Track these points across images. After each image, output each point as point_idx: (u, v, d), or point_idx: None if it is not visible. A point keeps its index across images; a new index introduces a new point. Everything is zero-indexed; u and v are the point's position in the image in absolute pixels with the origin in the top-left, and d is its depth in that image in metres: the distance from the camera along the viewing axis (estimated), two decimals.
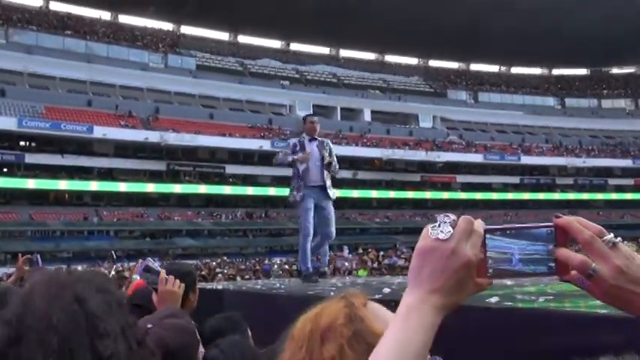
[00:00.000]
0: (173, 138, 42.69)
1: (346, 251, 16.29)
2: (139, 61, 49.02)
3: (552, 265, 0.65)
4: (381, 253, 15.07)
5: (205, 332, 2.15)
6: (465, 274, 0.66)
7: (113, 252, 15.04)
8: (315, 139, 5.66)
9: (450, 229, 0.67)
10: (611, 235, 0.64)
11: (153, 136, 42.45)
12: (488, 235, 0.69)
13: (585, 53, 62.42)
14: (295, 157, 5.47)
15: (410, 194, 50.78)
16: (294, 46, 64.03)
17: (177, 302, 2.08)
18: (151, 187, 43.25)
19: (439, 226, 0.68)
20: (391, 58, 66.95)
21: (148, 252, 36.97)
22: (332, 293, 3.25)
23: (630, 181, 55.88)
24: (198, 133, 43.87)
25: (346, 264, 12.33)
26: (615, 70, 71.17)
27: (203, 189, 45.02)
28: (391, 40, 58.64)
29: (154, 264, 2.55)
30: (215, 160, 46.67)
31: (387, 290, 3.56)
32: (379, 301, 0.83)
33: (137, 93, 47.35)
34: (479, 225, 0.70)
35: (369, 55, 66.32)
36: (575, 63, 67.97)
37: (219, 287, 5.01)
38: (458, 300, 0.66)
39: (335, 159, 5.68)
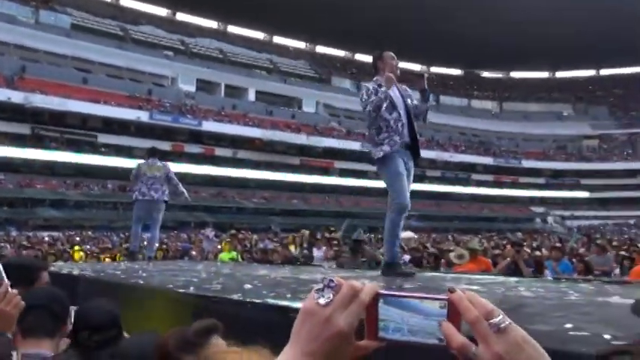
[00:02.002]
0: (40, 100, 39.66)
1: (209, 231, 14.99)
2: (6, 13, 44.74)
3: (442, 337, 0.63)
4: (255, 237, 15.02)
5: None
6: (339, 342, 0.65)
7: None
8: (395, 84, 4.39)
9: (331, 295, 0.65)
10: (501, 317, 0.61)
11: (17, 97, 39.20)
12: (382, 300, 0.67)
13: (461, 55, 66.37)
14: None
15: (289, 177, 51.20)
16: (181, 17, 61.75)
17: (10, 327, 1.63)
18: (11, 152, 39.84)
19: (323, 289, 0.66)
20: (279, 40, 66.78)
21: (5, 221, 34.22)
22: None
23: (490, 177, 60.54)
24: (69, 97, 41.09)
25: (212, 246, 11.91)
26: (486, 74, 76.46)
27: (71, 157, 42.22)
28: (280, 21, 58.47)
29: None
30: (86, 127, 43.97)
31: (248, 286, 3.57)
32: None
33: (2, 48, 43.28)
34: (367, 292, 0.67)
35: (258, 34, 65.66)
36: (452, 63, 72.08)
37: (75, 272, 4.67)
38: None
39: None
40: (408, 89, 4.60)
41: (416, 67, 73.16)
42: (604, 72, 74.20)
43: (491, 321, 0.61)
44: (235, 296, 2.83)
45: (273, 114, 53.50)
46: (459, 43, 62.10)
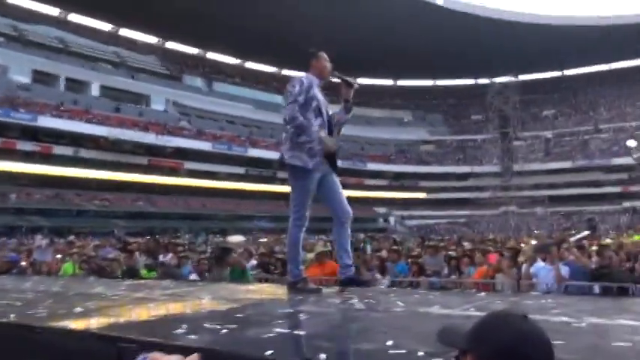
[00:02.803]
0: None
1: (40, 239, 13.37)
2: None
3: None
4: (94, 242, 14.03)
5: None
6: None
7: None
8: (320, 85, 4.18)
9: None
10: None
11: None
12: None
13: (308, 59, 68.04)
14: (322, 134, 3.93)
15: (136, 177, 48.88)
16: (14, 0, 56.20)
17: None
18: None
19: None
20: (127, 33, 63.57)
21: None
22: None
23: (340, 179, 62.82)
24: None
25: (45, 256, 10.51)
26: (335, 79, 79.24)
27: None
28: (129, 13, 55.68)
29: None
30: None
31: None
32: None
33: None
34: None
35: (104, 26, 61.90)
36: (303, 67, 73.25)
37: None
38: None
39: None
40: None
41: (269, 69, 74.01)
42: (440, 82, 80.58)
43: None
44: (62, 324, 2.65)
45: (119, 111, 50.77)
46: (311, 47, 63.62)
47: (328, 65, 4.28)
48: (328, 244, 16.02)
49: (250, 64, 72.77)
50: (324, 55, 4.30)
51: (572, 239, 14.41)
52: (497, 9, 64.94)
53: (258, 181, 57.29)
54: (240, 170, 56.52)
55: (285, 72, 75.48)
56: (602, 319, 2.48)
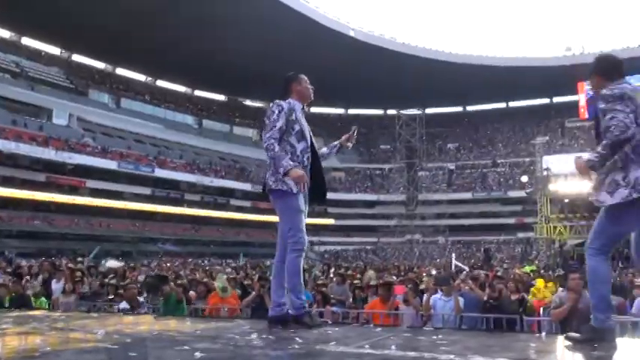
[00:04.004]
0: None
1: None
2: None
3: None
4: None
5: None
6: None
7: None
8: (303, 108, 4.09)
9: None
10: None
11: None
12: None
13: (226, 81, 67.79)
14: (296, 170, 3.69)
15: (32, 195, 45.94)
16: None
17: None
18: None
19: None
20: (30, 42, 60.37)
21: None
22: None
23: (248, 203, 62.44)
24: None
25: None
26: (248, 102, 79.26)
27: None
28: (32, 21, 52.94)
29: None
30: None
31: None
32: None
33: None
34: None
35: (4, 33, 58.43)
36: (216, 88, 73.21)
37: None
38: None
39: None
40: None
41: (181, 88, 72.78)
42: (351, 111, 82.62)
43: None
44: None
45: (16, 124, 47.77)
46: (225, 69, 63.42)
47: (310, 88, 4.16)
48: (234, 270, 15.84)
49: (162, 83, 71.25)
50: (305, 78, 4.15)
51: (453, 269, 15.09)
52: (407, 44, 67.84)
53: (165, 203, 55.73)
54: (147, 191, 54.74)
55: (198, 92, 74.63)
56: (485, 357, 2.60)
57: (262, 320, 4.09)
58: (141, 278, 11.71)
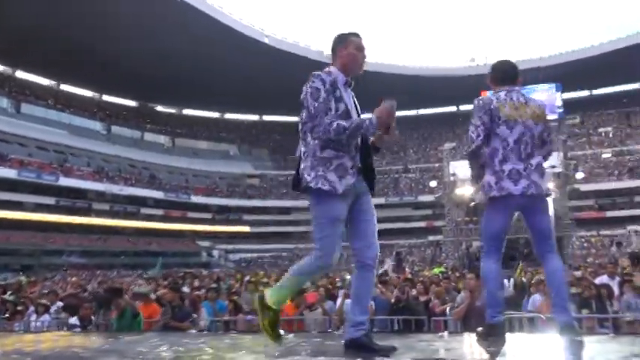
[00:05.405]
0: None
1: None
2: None
3: None
4: None
5: None
6: None
7: None
8: (350, 82, 3.14)
9: None
10: None
11: None
12: None
13: (136, 86, 65.76)
14: (378, 109, 2.92)
15: None
16: None
17: None
18: None
19: None
20: None
21: None
22: None
23: (160, 212, 60.77)
24: None
25: None
26: (160, 108, 77.24)
27: None
28: None
29: None
30: None
31: None
32: None
33: None
34: None
35: None
36: (126, 93, 70.80)
37: None
38: None
39: None
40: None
41: (86, 93, 69.76)
42: (266, 118, 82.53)
43: None
44: None
45: None
46: (135, 74, 61.51)
47: (360, 54, 3.14)
48: (151, 282, 15.33)
49: (67, 87, 67.93)
50: (356, 40, 3.14)
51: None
52: (320, 51, 68.54)
53: (71, 213, 53.10)
54: (51, 200, 51.92)
55: (107, 97, 71.83)
56: (390, 359, 2.71)
57: (172, 332, 4.02)
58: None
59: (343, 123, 2.87)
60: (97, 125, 65.92)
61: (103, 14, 51.61)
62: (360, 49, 3.11)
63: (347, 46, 3.11)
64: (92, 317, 7.22)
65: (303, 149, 3.05)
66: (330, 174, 2.91)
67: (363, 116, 2.99)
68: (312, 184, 2.91)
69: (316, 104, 2.92)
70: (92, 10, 50.90)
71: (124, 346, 3.60)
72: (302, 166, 3.01)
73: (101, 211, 56.15)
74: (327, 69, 3.07)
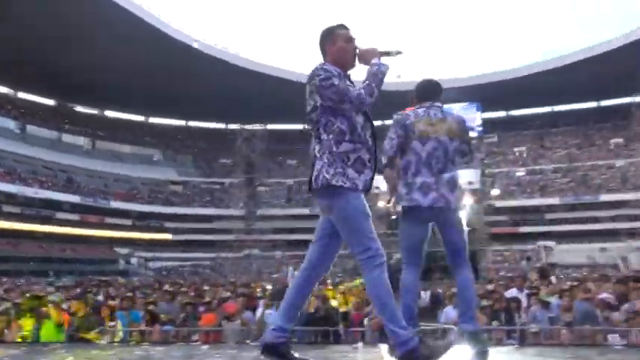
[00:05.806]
0: None
1: None
2: None
3: None
4: None
5: None
6: None
7: None
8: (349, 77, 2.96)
9: None
10: None
11: None
12: None
13: (55, 85, 62.91)
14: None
15: None
16: None
17: None
18: None
19: None
20: None
21: None
22: None
23: (76, 217, 58.19)
24: None
25: None
26: (80, 108, 74.07)
27: None
28: None
29: None
30: None
31: None
32: None
33: None
34: None
35: None
36: (44, 91, 67.53)
37: None
38: None
39: None
40: None
41: (0, 89, 66.01)
42: (192, 124, 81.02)
43: None
44: None
45: None
46: (54, 72, 58.83)
47: (350, 48, 2.97)
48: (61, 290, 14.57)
49: None
50: (344, 32, 2.98)
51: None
52: (249, 59, 68.12)
53: None
54: None
55: (22, 95, 68.24)
56: None
57: (81, 344, 3.84)
58: None
59: (368, 86, 2.81)
60: (10, 124, 62.38)
61: (19, 5, 49.20)
62: (349, 40, 2.96)
63: (335, 41, 2.96)
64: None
65: (317, 147, 2.91)
66: (349, 170, 2.80)
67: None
68: (333, 182, 2.78)
69: (335, 87, 2.80)
70: (8, 1, 48.43)
71: (26, 357, 3.40)
72: (318, 165, 2.87)
73: (11, 214, 53.06)
74: (322, 65, 2.92)
